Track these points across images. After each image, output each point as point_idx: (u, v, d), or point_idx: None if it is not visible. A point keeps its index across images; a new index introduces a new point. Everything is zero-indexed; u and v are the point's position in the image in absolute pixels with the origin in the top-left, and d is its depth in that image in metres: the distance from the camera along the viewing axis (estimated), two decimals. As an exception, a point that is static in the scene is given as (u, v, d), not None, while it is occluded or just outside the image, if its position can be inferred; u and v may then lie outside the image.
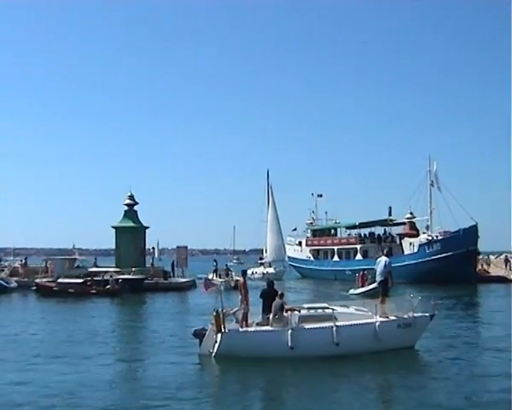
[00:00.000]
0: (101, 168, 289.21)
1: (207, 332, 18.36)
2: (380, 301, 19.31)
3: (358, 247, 68.39)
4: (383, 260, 20.00)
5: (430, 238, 60.46)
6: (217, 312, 17.94)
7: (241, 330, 18.14)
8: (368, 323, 18.55)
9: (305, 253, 75.98)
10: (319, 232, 77.36)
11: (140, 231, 55.42)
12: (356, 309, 19.59)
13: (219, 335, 17.78)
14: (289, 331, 17.57)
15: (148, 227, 56.31)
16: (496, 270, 63.00)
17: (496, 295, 44.87)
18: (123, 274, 48.49)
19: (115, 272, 49.26)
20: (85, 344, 21.85)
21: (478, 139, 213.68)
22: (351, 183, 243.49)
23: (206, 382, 16.18)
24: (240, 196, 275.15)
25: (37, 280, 48.08)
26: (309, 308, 19.19)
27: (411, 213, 68.89)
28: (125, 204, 55.56)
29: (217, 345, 17.78)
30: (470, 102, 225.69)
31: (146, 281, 49.83)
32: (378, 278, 19.90)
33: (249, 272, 69.11)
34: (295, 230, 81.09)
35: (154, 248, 57.55)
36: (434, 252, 58.05)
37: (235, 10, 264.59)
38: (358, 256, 67.34)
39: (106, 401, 13.56)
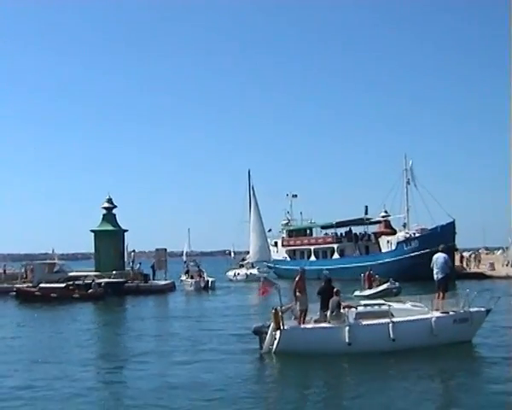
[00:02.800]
0: (77, 173, 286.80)
1: (269, 330, 18.64)
2: (439, 297, 19.56)
3: (335, 246, 68.74)
4: (441, 256, 20.06)
5: (408, 236, 61.02)
6: (275, 309, 18.34)
7: (299, 327, 18.56)
8: (423, 318, 18.79)
9: (281, 253, 75.96)
10: (295, 232, 77.43)
11: (119, 234, 54.91)
12: (412, 305, 19.77)
13: (278, 332, 18.20)
14: (346, 328, 17.99)
15: (126, 230, 55.87)
16: (471, 266, 63.93)
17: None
18: (103, 278, 48.04)
19: (96, 275, 48.71)
20: (134, 349, 21.47)
21: (453, 137, 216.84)
22: (326, 183, 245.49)
23: (267, 377, 16.58)
24: (217, 198, 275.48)
25: (18, 285, 47.38)
26: (365, 305, 19.56)
27: (386, 212, 69.44)
28: (104, 207, 54.98)
29: (276, 342, 18.24)
30: (444, 100, 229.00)
31: (126, 284, 49.44)
32: (439, 275, 19.90)
33: (231, 273, 69.85)
34: (270, 231, 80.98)
35: (134, 250, 56.70)
36: (412, 249, 58.59)
37: (213, 12, 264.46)
38: (335, 255, 67.86)
39: (173, 402, 13.57)
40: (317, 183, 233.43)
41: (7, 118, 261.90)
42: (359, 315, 18.57)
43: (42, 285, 44.49)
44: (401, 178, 62.79)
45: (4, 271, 55.64)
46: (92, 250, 55.75)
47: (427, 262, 55.13)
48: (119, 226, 55.16)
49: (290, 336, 18.22)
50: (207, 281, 54.19)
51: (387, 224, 69.91)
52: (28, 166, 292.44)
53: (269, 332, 18.58)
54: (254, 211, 70.22)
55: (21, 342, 24.18)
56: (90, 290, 44.28)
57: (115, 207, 55.47)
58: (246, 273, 67.46)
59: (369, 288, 37.49)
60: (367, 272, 39.44)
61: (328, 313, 18.50)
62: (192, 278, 55.47)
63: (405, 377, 15.47)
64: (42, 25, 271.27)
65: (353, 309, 18.77)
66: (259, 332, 18.99)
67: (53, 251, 59.30)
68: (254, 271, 67.79)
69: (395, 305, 19.53)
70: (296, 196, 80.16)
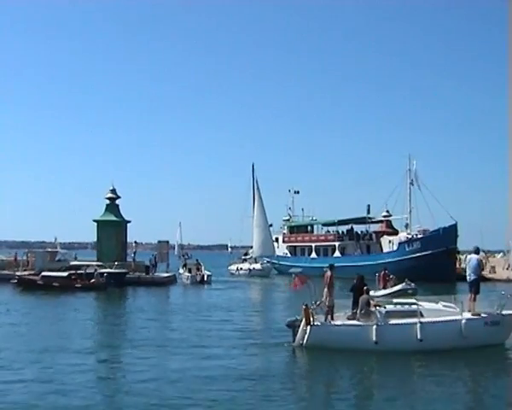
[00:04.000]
0: (81, 162, 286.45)
1: (301, 324, 18.97)
2: (471, 299, 19.39)
3: (337, 244, 68.82)
4: (474, 258, 19.92)
5: (410, 236, 61.06)
6: (306, 305, 18.73)
7: (328, 323, 18.93)
8: (453, 320, 18.73)
9: (281, 249, 75.90)
10: (296, 229, 77.49)
11: (121, 225, 54.86)
12: (444, 305, 19.74)
13: (308, 327, 18.63)
14: (374, 326, 18.27)
15: (129, 221, 55.78)
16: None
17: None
18: (105, 268, 47.92)
19: (97, 265, 48.63)
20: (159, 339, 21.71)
21: (457, 138, 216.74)
22: (328, 180, 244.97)
23: (296, 371, 16.96)
24: (215, 192, 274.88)
25: (19, 273, 47.30)
26: (396, 304, 19.69)
27: (387, 212, 69.49)
28: (107, 198, 54.94)
29: (306, 337, 18.66)
30: (450, 101, 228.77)
31: (128, 275, 49.41)
32: (471, 277, 19.72)
33: (233, 267, 69.81)
34: (271, 226, 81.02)
35: (136, 242, 56.66)
36: (414, 250, 58.69)
37: (216, 8, 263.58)
38: (336, 253, 67.86)
39: (209, 394, 13.63)
40: (319, 179, 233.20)
41: (11, 107, 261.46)
42: (388, 314, 18.76)
43: (44, 274, 44.37)
44: (404, 179, 62.93)
45: (15, 258, 55.21)
46: (89, 240, 55.90)
47: (427, 264, 55.65)
48: (122, 217, 55.13)
49: (319, 332, 18.67)
50: (203, 275, 54.48)
51: (388, 224, 70.08)
52: (31, 156, 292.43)
53: (300, 327, 18.93)
54: (258, 205, 69.98)
55: (25, 330, 24.19)
56: (93, 280, 44.24)
57: (119, 197, 55.47)
58: (249, 268, 67.39)
59: (384, 288, 35.41)
60: (382, 272, 37.33)
61: (358, 310, 18.88)
62: (190, 271, 55.58)
63: (430, 379, 15.41)
64: (47, 15, 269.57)
65: (383, 308, 18.96)
66: (292, 326, 19.34)
67: (55, 240, 59.24)
68: (257, 266, 67.77)
69: (426, 305, 19.56)
70: (298, 192, 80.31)
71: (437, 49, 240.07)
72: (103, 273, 45.39)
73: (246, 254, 75.04)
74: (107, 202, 55.06)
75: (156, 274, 52.83)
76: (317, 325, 18.76)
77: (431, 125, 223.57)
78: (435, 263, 53.78)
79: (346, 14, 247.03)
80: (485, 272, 60.73)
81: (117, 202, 55.64)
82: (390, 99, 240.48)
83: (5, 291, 42.33)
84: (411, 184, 61.80)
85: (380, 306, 19.11)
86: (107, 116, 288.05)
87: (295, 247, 75.47)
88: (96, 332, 24.99)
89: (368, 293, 19.41)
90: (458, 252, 60.74)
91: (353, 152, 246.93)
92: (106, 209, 54.98)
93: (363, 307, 18.76)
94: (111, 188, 55.22)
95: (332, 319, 19.06)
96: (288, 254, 75.00)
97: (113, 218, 54.30)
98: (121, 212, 55.76)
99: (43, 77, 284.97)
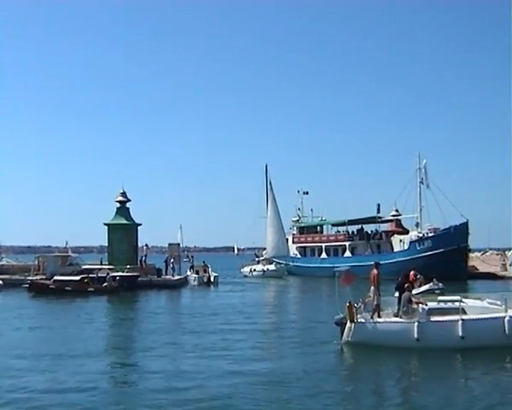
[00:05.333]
0: (88, 166, 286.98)
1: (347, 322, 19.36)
2: None
3: (347, 244, 68.63)
4: None
5: (421, 235, 60.84)
6: (349, 302, 19.12)
7: (370, 321, 19.31)
8: (495, 317, 18.62)
9: (291, 250, 75.61)
10: (306, 229, 77.26)
11: (132, 228, 54.71)
12: (489, 303, 19.67)
13: (352, 324, 19.03)
14: (415, 324, 18.48)
15: (140, 224, 55.62)
16: (483, 266, 63.63)
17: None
18: (116, 271, 47.90)
19: (109, 269, 48.58)
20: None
21: (466, 137, 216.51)
22: (337, 180, 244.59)
23: (339, 366, 17.49)
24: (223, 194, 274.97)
25: (31, 278, 47.26)
26: (439, 301, 19.71)
27: (397, 211, 69.40)
28: (118, 201, 54.72)
29: (350, 334, 19.12)
30: (459, 100, 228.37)
31: (139, 278, 49.35)
32: None
33: (247, 269, 69.77)
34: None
35: (147, 245, 56.61)
36: (425, 249, 58.41)
37: (227, 10, 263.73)
38: (347, 253, 67.68)
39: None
40: (328, 180, 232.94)
41: (19, 109, 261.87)
42: (430, 311, 18.91)
43: (56, 278, 44.35)
44: (414, 177, 62.59)
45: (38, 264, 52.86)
46: (95, 244, 55.82)
47: (439, 262, 55.44)
48: (132, 220, 54.99)
49: (362, 329, 19.06)
50: (209, 276, 55.08)
51: (398, 223, 69.96)
52: (41, 159, 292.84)
53: (347, 324, 19.24)
54: (272, 206, 69.90)
55: (42, 335, 24.31)
56: (105, 284, 44.20)
57: (129, 200, 55.24)
58: (263, 269, 67.26)
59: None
60: (412, 272, 37.39)
61: (400, 308, 19.14)
62: (197, 273, 56.14)
63: (470, 377, 15.53)
64: (50, 16, 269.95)
65: (425, 305, 19.08)
66: (340, 323, 19.57)
67: (66, 244, 59.20)
68: (272, 266, 67.69)
69: (470, 302, 19.62)
70: (307, 193, 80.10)
71: (451, 48, 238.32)
72: (115, 277, 45.35)
73: (256, 255, 74.92)
74: (117, 205, 54.82)
75: (167, 277, 52.83)
76: (360, 323, 19.14)
77: (439, 124, 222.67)
78: (447, 261, 53.45)
79: (359, 16, 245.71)
80: (497, 270, 60.82)
81: (127, 205, 55.41)
82: (399, 99, 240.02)
83: (17, 296, 42.24)
84: (421, 182, 61.45)
85: (422, 303, 19.23)
86: (116, 119, 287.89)
87: (305, 247, 75.28)
88: (113, 336, 25.06)
89: (410, 291, 19.62)
90: (470, 250, 60.53)
91: (362, 152, 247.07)
92: (116, 213, 54.77)
93: (405, 304, 19.07)
94: (121, 191, 54.96)
95: (379, 316, 19.39)
96: (298, 255, 74.87)
97: (124, 221, 54.12)
98: (131, 215, 55.60)
99: (54, 78, 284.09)
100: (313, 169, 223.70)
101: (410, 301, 19.12)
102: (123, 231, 53.57)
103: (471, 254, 66.48)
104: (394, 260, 58.13)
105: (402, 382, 15.76)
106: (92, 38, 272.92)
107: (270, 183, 71.30)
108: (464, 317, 18.37)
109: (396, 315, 19.40)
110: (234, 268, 75.09)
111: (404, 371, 16.79)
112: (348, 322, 19.16)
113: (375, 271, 19.88)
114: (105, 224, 54.50)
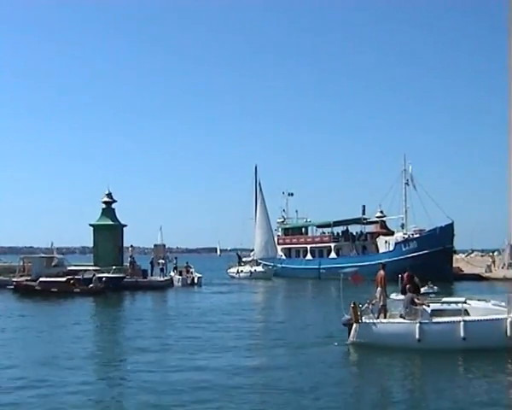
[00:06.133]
0: (73, 167, 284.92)
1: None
2: None
3: (332, 245, 68.68)
4: None
5: (406, 236, 61.08)
6: (354, 303, 19.34)
7: (374, 321, 19.47)
8: (497, 319, 18.59)
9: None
10: (291, 231, 77.38)
11: (118, 229, 54.43)
12: (493, 304, 19.65)
13: (356, 325, 19.27)
14: (417, 324, 18.60)
15: (125, 225, 55.37)
16: (468, 267, 64.06)
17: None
18: (102, 273, 47.54)
19: (94, 270, 48.20)
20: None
21: (452, 138, 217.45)
22: (322, 181, 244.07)
23: (343, 367, 17.46)
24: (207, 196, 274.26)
25: (15, 279, 46.77)
26: (443, 302, 19.83)
27: (381, 212, 69.67)
28: (103, 202, 54.39)
29: (355, 334, 19.35)
30: (445, 102, 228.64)
31: (125, 279, 49.05)
32: None
33: (233, 270, 69.58)
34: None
35: (132, 246, 56.34)
36: (411, 250, 58.62)
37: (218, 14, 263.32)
38: (332, 255, 67.74)
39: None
40: (312, 181, 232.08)
41: (5, 109, 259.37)
42: (433, 312, 19.02)
43: (42, 279, 43.94)
44: (400, 179, 62.92)
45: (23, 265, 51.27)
46: (77, 245, 55.49)
47: (424, 263, 55.74)
48: (118, 221, 54.71)
49: (365, 330, 19.27)
50: (193, 277, 55.04)
51: (383, 224, 70.17)
52: (26, 159, 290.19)
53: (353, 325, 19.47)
54: (261, 207, 69.94)
55: (27, 336, 23.94)
56: (91, 285, 43.86)
57: (115, 201, 54.90)
58: (250, 270, 67.19)
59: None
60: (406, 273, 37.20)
61: (403, 309, 19.29)
62: (180, 274, 55.81)
63: (470, 378, 15.53)
64: (43, 16, 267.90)
65: (428, 306, 19.20)
66: (348, 324, 19.71)
67: (51, 245, 58.66)
68: (259, 268, 67.66)
69: (474, 303, 19.62)
70: (292, 194, 79.92)
71: (434, 48, 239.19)
72: (102, 278, 45.05)
73: (239, 256, 74.62)
74: (103, 206, 54.47)
75: (153, 278, 52.58)
76: (364, 323, 19.33)
77: (425, 125, 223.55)
78: (432, 263, 53.61)
79: (345, 17, 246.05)
80: (482, 271, 61.24)
81: (113, 205, 55.04)
82: (384, 99, 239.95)
83: (2, 298, 41.70)
84: (406, 184, 61.85)
85: (425, 304, 19.33)
86: (102, 119, 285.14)
87: (290, 249, 75.36)
88: (99, 338, 24.84)
89: (412, 292, 19.74)
90: (455, 251, 60.89)
91: (347, 153, 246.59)
92: (102, 213, 54.40)
93: (408, 305, 19.23)
94: (107, 192, 54.60)
95: (385, 317, 19.56)
96: (283, 256, 74.79)
97: (110, 222, 53.84)
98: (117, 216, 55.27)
99: (39, 77, 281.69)
100: (298, 170, 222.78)
101: (412, 302, 19.23)
102: (108, 232, 53.23)
103: (456, 256, 67.07)
104: (380, 260, 58.12)
105: (403, 382, 15.70)
106: (84, 39, 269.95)
107: (260, 184, 71.38)
108: (466, 318, 18.42)
109: (402, 316, 19.52)
110: (217, 269, 75.12)
111: (406, 372, 16.83)
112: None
113: (381, 272, 20.08)
114: (90, 225, 54.20)
